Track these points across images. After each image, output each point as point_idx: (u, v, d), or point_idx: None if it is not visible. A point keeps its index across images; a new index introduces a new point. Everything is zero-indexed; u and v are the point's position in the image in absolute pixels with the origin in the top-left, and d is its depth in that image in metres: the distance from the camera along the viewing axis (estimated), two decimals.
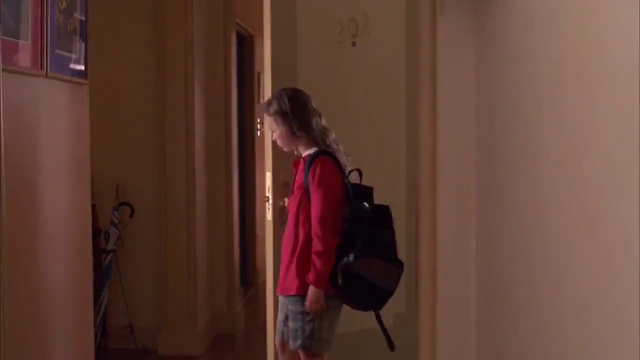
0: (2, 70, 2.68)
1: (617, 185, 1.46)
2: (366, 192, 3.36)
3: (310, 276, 3.30)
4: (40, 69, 3.07)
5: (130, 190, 5.37)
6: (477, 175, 2.59)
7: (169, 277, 5.36)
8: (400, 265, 3.19)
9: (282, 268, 3.45)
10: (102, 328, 5.21)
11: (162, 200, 5.33)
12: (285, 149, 3.50)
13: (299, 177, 3.42)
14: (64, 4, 3.28)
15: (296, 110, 3.42)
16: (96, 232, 5.07)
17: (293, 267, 3.37)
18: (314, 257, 3.29)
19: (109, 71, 5.20)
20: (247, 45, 7.51)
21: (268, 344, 3.78)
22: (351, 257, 3.24)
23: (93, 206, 5.10)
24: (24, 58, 2.96)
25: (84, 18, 3.50)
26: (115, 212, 5.27)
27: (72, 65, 3.41)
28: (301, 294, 3.35)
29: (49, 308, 3.21)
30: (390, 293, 3.28)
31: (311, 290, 3.31)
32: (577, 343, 1.69)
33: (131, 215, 5.34)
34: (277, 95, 3.51)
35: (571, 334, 1.73)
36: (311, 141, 3.43)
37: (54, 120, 3.28)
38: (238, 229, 6.43)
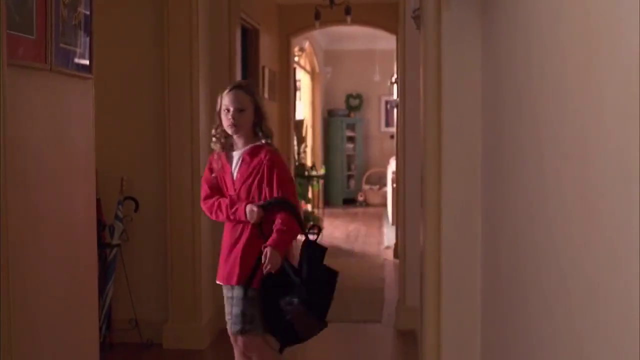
0: (7, 64, 2.67)
1: (624, 178, 1.45)
2: (322, 254, 3.87)
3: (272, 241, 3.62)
4: (45, 63, 3.07)
5: (135, 184, 5.37)
6: (483, 169, 2.58)
7: (173, 271, 5.36)
8: (325, 325, 3.85)
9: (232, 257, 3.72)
10: (107, 322, 5.22)
11: (166, 195, 5.33)
12: (234, 131, 3.70)
13: (251, 165, 3.68)
14: None
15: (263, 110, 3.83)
16: (101, 226, 5.07)
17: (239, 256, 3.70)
18: (280, 234, 3.63)
19: (114, 65, 5.20)
20: (251, 39, 7.52)
21: None
22: (296, 300, 3.63)
23: (98, 200, 5.10)
24: (28, 52, 2.96)
25: (88, 12, 3.50)
26: (120, 206, 5.27)
27: (76, 60, 3.41)
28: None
29: (54, 302, 3.21)
30: (300, 341, 3.90)
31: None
32: (584, 335, 1.69)
33: (136, 210, 5.34)
34: (253, 84, 3.92)
35: (579, 326, 1.73)
36: (256, 137, 3.74)
37: (59, 114, 3.28)
38: None
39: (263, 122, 3.75)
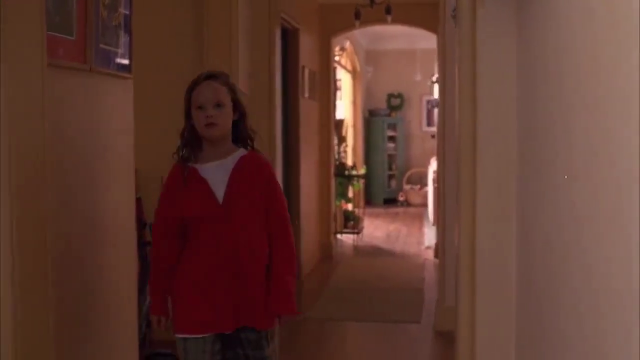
0: (47, 64, 2.72)
1: None
2: None
3: (291, 302, 2.92)
4: (85, 63, 3.11)
5: None
6: (518, 169, 2.56)
7: None
8: None
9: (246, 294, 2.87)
10: (147, 319, 5.27)
11: None
12: (211, 133, 2.88)
13: (245, 178, 2.90)
14: None
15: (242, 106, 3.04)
16: (141, 224, 5.12)
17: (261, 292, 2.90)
18: (288, 273, 2.93)
19: (153, 64, 5.24)
20: (292, 39, 7.53)
21: None
22: None
23: (138, 199, 5.17)
24: (68, 53, 3.01)
25: (128, 12, 3.53)
26: None
27: (116, 60, 3.45)
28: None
29: (94, 300, 3.25)
30: None
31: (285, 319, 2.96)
32: (616, 337, 1.67)
33: None
34: (227, 74, 3.07)
35: (611, 329, 1.71)
36: (238, 140, 2.99)
37: (98, 114, 3.32)
38: None
39: (245, 120, 2.98)
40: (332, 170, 9.54)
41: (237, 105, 2.95)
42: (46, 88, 2.69)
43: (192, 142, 2.94)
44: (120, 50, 3.47)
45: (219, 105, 2.89)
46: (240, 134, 2.98)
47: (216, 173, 2.90)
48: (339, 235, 10.07)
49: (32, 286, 2.58)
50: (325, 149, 9.23)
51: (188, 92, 2.93)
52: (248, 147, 2.99)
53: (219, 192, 2.87)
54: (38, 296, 2.62)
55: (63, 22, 2.95)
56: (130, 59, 3.57)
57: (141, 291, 5.05)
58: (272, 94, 5.99)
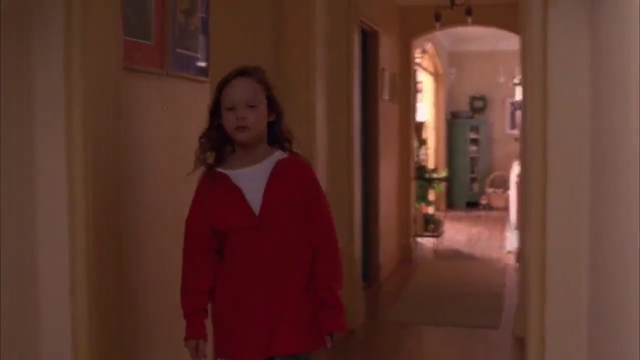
0: (124, 68, 2.79)
1: None
2: None
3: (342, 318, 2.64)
4: (162, 67, 3.18)
5: None
6: (590, 172, 2.49)
7: None
8: None
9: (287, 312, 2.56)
10: None
11: None
12: (243, 137, 2.56)
13: (284, 185, 2.58)
14: (186, 4, 3.38)
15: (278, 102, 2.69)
16: None
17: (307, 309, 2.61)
18: (337, 287, 2.64)
19: (230, 67, 5.30)
20: (371, 42, 7.53)
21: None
22: None
23: None
24: (146, 57, 3.08)
25: (205, 17, 3.60)
26: None
27: (193, 64, 3.51)
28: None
29: (168, 298, 3.31)
30: None
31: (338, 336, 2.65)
32: None
33: None
34: (263, 70, 2.70)
35: None
36: (274, 144, 2.67)
37: (174, 117, 3.38)
38: (360, 225, 6.44)
39: (282, 122, 2.65)
40: (412, 173, 9.49)
41: (273, 104, 2.62)
42: (122, 91, 2.75)
43: (220, 145, 2.61)
44: (196, 55, 3.53)
45: (251, 105, 2.55)
46: (277, 136, 2.65)
47: (251, 179, 2.57)
48: (419, 239, 10.01)
49: (106, 286, 2.65)
50: (405, 151, 9.19)
51: (217, 90, 2.60)
52: (286, 150, 2.65)
53: (255, 201, 2.54)
54: (111, 292, 2.69)
55: (141, 28, 3.02)
56: (207, 62, 3.63)
57: None
58: (350, 97, 5.99)
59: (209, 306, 2.63)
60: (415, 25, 9.12)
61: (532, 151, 2.47)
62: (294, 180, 2.60)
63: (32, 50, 2.43)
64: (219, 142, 2.62)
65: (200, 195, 2.62)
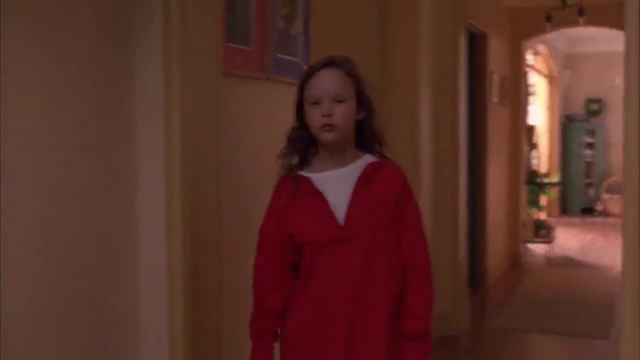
0: (225, 74, 2.88)
1: None
2: None
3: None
4: (262, 72, 3.26)
5: None
6: None
7: None
8: None
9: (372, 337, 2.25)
10: None
11: None
12: (330, 137, 2.24)
13: (373, 192, 2.26)
14: (286, 10, 3.45)
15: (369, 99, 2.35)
16: None
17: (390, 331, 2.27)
18: (425, 315, 2.29)
19: None
20: (479, 44, 7.45)
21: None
22: None
23: None
24: (246, 63, 3.16)
25: (307, 22, 3.66)
26: None
27: (294, 68, 3.57)
28: None
29: None
30: None
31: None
32: None
33: None
34: (353, 61, 2.37)
35: None
36: (362, 145, 2.36)
37: (275, 121, 3.45)
38: (466, 228, 6.37)
39: (372, 120, 2.33)
40: (523, 177, 9.32)
41: (363, 100, 2.30)
42: (222, 95, 2.84)
43: (305, 146, 2.32)
44: (297, 59, 3.59)
45: (339, 100, 2.23)
46: (367, 136, 2.33)
47: (335, 185, 2.26)
48: (529, 245, 9.81)
49: (204, 286, 2.74)
50: (515, 155, 9.03)
51: (301, 84, 2.32)
52: (376, 153, 2.35)
53: (339, 210, 2.23)
54: (208, 294, 2.77)
55: (242, 34, 3.11)
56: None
57: None
58: (456, 99, 5.95)
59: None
60: (526, 26, 8.95)
61: (626, 161, 2.39)
62: (384, 188, 2.28)
63: (134, 56, 2.55)
64: (304, 142, 2.32)
65: (277, 201, 2.32)
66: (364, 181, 2.27)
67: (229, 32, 2.99)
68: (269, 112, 3.37)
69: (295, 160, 2.33)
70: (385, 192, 2.28)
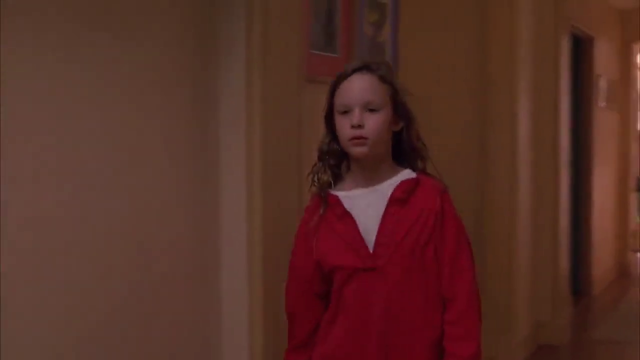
0: (307, 80, 2.94)
1: None
2: None
3: None
4: None
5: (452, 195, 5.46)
6: None
7: (487, 280, 5.36)
8: None
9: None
10: None
11: (482, 203, 5.35)
12: (360, 151, 1.99)
13: (407, 214, 2.00)
14: (374, 16, 3.49)
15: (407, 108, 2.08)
16: None
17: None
18: (463, 346, 2.00)
19: (424, 77, 5.31)
20: (584, 47, 7.27)
21: None
22: None
23: None
24: (333, 70, 3.20)
25: (395, 28, 3.68)
26: None
27: None
28: None
29: None
30: None
31: None
32: None
33: None
34: (389, 65, 2.14)
35: None
36: (400, 161, 2.09)
37: None
38: (568, 235, 6.24)
39: (412, 132, 2.06)
40: (633, 184, 9.01)
41: (400, 109, 2.03)
42: (304, 101, 2.89)
43: (337, 160, 2.07)
44: None
45: (371, 109, 1.98)
46: (405, 150, 2.07)
47: (366, 205, 2.02)
48: (639, 254, 9.48)
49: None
50: (624, 161, 8.75)
51: (331, 89, 2.07)
52: (417, 169, 2.07)
53: (370, 233, 2.00)
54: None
55: (328, 42, 3.16)
56: (396, 72, 3.70)
57: None
58: (557, 105, 5.83)
59: None
60: (637, 28, 8.67)
61: None
62: (420, 208, 2.00)
63: (218, 64, 2.63)
64: (337, 156, 2.07)
65: (305, 224, 2.08)
66: (396, 201, 2.01)
67: (314, 40, 3.05)
68: None
69: (327, 176, 2.06)
70: (421, 214, 2.00)
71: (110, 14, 2.23)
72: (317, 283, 2.08)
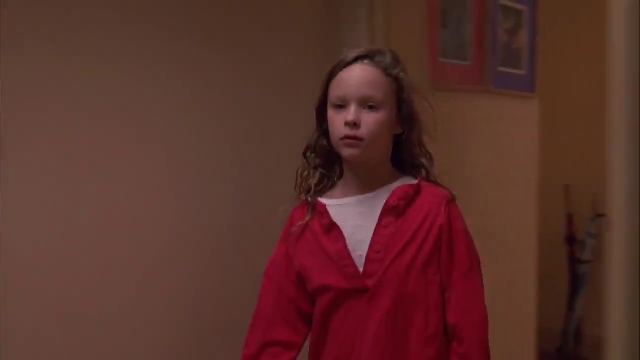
0: (434, 89, 3.01)
1: None
2: None
3: None
4: (481, 85, 3.35)
5: (607, 200, 5.30)
6: None
7: None
8: None
9: None
10: (577, 336, 5.26)
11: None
12: (353, 154, 1.70)
13: (405, 224, 1.71)
14: (509, 24, 3.51)
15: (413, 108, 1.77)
16: (573, 241, 5.20)
17: None
18: None
19: (559, 81, 5.18)
20: None
21: None
22: None
23: (571, 216, 5.22)
24: (464, 77, 3.27)
25: (533, 34, 3.67)
26: (592, 223, 5.27)
27: (518, 80, 3.61)
28: None
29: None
30: None
31: None
32: None
33: (607, 228, 5.28)
34: (395, 54, 1.77)
35: None
36: (403, 165, 1.82)
37: (498, 132, 3.50)
38: None
39: (413, 138, 1.77)
40: None
41: (404, 108, 1.74)
42: (435, 109, 2.96)
43: (326, 161, 1.80)
44: (520, 72, 3.62)
45: (371, 106, 1.69)
46: (406, 156, 1.79)
47: (358, 216, 1.74)
48: None
49: None
50: None
51: (325, 80, 1.75)
52: (419, 176, 1.79)
53: (361, 249, 1.71)
54: None
55: (458, 51, 3.23)
56: (532, 79, 3.70)
57: (571, 306, 5.11)
58: None
59: None
60: None
61: None
62: (421, 220, 1.71)
63: None
64: (325, 155, 1.80)
65: (288, 237, 1.81)
66: (392, 210, 1.71)
67: (443, 49, 3.12)
68: (491, 123, 3.44)
69: (315, 179, 1.80)
70: (421, 225, 1.71)
71: (240, 37, 2.38)
72: (300, 303, 1.80)
